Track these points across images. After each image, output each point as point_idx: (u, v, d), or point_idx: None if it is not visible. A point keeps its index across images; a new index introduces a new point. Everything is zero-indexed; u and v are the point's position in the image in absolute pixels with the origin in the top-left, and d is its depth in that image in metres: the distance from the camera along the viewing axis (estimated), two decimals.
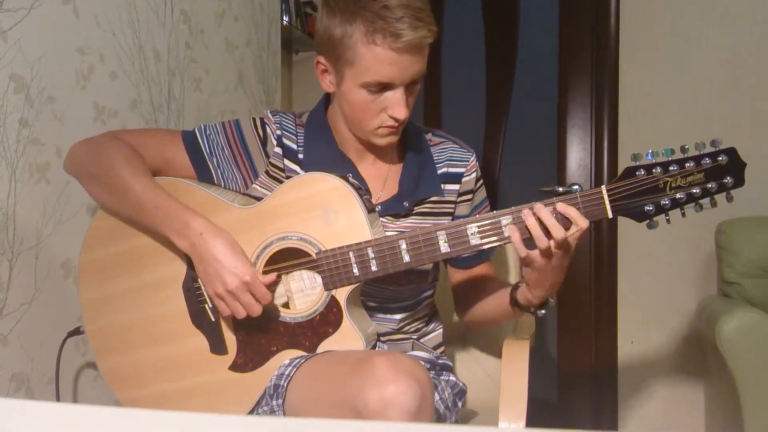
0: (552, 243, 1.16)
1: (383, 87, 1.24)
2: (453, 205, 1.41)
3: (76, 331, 1.47)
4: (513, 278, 1.75)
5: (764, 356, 1.93)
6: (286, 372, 1.23)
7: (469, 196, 1.43)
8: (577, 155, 2.74)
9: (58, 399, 1.47)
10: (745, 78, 2.53)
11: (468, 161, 1.42)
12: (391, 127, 1.28)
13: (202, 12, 2.04)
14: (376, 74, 1.22)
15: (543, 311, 1.30)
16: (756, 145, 2.43)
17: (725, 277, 2.33)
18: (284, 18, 2.65)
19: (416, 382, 1.06)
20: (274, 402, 1.23)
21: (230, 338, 1.29)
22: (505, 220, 1.20)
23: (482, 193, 1.47)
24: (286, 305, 1.27)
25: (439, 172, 1.40)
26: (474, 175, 1.43)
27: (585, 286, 2.75)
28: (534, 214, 1.16)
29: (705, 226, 2.44)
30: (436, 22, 1.23)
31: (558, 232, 1.15)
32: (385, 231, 1.30)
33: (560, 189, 2.67)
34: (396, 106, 1.25)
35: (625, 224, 2.59)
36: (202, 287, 1.30)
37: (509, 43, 3.39)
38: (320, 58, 1.30)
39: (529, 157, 3.26)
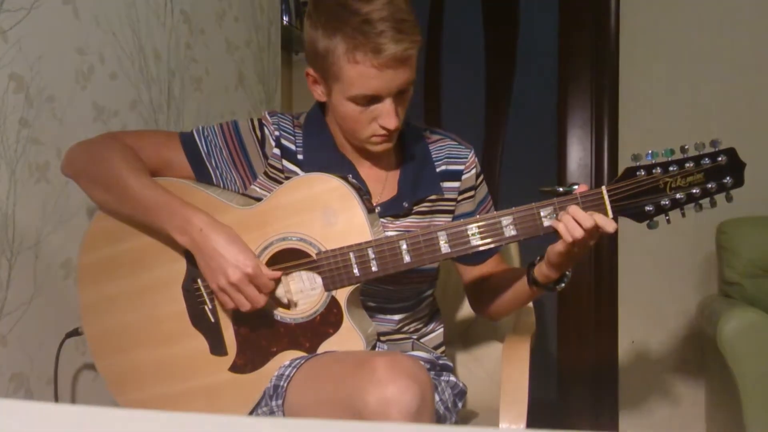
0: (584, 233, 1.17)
1: (371, 99, 1.24)
2: (453, 203, 1.41)
3: (75, 332, 1.47)
4: None
5: (764, 356, 1.93)
6: (286, 373, 1.23)
7: (471, 193, 1.43)
8: (577, 155, 2.74)
9: (56, 400, 1.47)
10: (745, 78, 2.53)
11: (467, 158, 1.42)
12: (383, 135, 1.28)
13: (203, 12, 2.04)
14: (361, 88, 1.22)
15: (562, 284, 1.31)
16: (756, 145, 2.43)
17: (726, 277, 2.32)
18: (284, 18, 2.65)
19: (416, 383, 1.06)
20: (274, 403, 1.23)
21: (230, 339, 1.29)
22: (506, 220, 1.20)
23: (484, 188, 1.46)
24: (286, 306, 1.27)
25: (438, 170, 1.40)
26: (474, 171, 1.43)
27: (585, 286, 2.75)
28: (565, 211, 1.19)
29: (705, 226, 2.44)
30: (419, 32, 1.22)
31: (588, 222, 1.16)
32: (385, 231, 1.30)
33: (560, 189, 2.67)
34: (386, 116, 1.25)
35: (625, 224, 2.58)
36: (202, 288, 1.30)
37: (509, 44, 3.39)
38: (309, 69, 1.30)
39: (529, 157, 3.27)
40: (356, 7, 1.19)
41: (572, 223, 1.17)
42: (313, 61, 1.28)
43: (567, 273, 1.29)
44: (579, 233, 1.17)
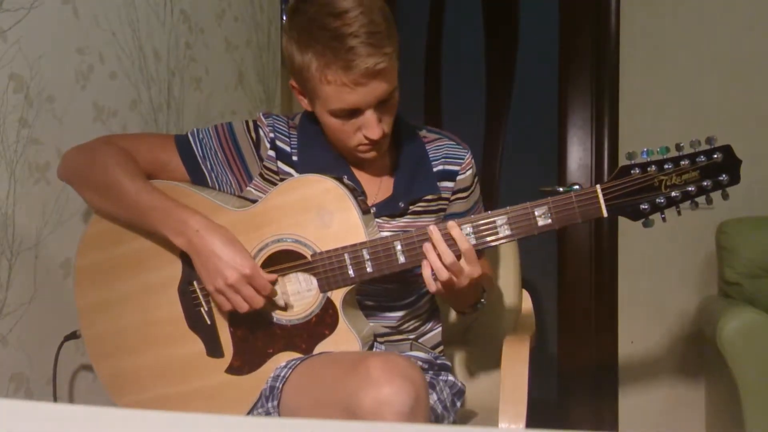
0: (448, 271, 1.18)
1: (351, 113, 1.24)
2: (446, 203, 1.41)
3: (73, 335, 1.47)
4: (513, 275, 1.75)
5: (764, 356, 1.93)
6: (282, 374, 1.23)
7: (465, 194, 1.43)
8: (577, 155, 2.74)
9: (55, 401, 1.47)
10: (744, 78, 2.53)
11: (464, 158, 1.42)
12: (369, 144, 1.28)
13: (202, 12, 2.04)
14: (339, 103, 1.22)
15: (478, 307, 1.37)
16: (756, 144, 2.43)
17: (726, 277, 2.32)
18: (284, 18, 2.65)
19: (410, 383, 1.06)
20: (270, 404, 1.23)
21: (226, 341, 1.29)
22: (500, 220, 1.20)
23: (477, 190, 1.47)
24: (282, 307, 1.27)
25: (435, 169, 1.40)
26: (470, 172, 1.43)
27: (585, 286, 2.75)
28: (432, 245, 1.18)
29: (705, 227, 2.44)
30: (395, 41, 1.21)
31: (447, 257, 1.17)
32: (381, 231, 1.30)
33: (560, 189, 2.67)
34: (368, 127, 1.24)
35: (625, 225, 2.59)
36: (197, 290, 1.30)
37: (509, 44, 3.39)
38: (292, 81, 1.31)
39: (529, 157, 3.27)
40: (326, 22, 1.18)
41: (438, 264, 1.17)
42: (293, 74, 1.28)
43: (479, 304, 1.35)
44: (444, 276, 1.18)
